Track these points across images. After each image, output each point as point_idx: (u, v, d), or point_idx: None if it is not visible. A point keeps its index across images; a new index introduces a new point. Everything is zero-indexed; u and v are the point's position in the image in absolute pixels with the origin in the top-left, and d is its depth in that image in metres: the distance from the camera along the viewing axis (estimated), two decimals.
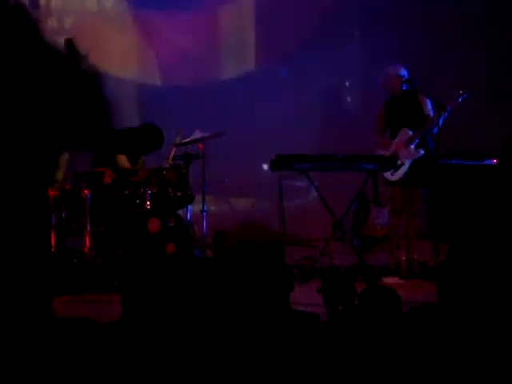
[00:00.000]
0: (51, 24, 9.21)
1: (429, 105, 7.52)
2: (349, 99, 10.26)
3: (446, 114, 7.33)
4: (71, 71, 1.26)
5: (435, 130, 7.35)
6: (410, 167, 7.49)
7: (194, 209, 8.31)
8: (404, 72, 7.52)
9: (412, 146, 7.50)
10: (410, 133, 7.49)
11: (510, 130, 2.62)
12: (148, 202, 7.52)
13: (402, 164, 7.51)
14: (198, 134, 8.66)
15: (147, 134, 8.01)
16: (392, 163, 7.45)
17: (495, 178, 8.46)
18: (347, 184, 9.17)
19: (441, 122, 7.28)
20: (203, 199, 8.15)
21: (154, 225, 7.42)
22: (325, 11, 10.02)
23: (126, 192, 7.56)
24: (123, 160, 7.91)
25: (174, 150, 8.29)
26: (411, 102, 7.54)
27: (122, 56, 9.48)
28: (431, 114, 7.48)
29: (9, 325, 1.27)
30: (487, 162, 8.84)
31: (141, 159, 8.22)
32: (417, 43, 9.65)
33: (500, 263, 2.21)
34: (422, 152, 7.48)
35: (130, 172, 7.84)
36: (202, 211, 8.14)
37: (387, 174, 7.58)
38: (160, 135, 8.08)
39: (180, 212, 7.90)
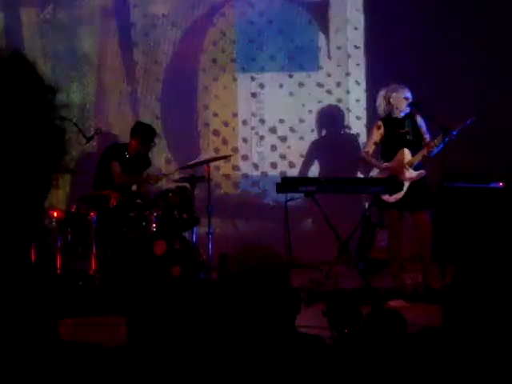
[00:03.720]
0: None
1: (423, 126, 7.60)
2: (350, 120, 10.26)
3: (454, 137, 7.39)
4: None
5: (434, 152, 7.44)
6: (408, 189, 7.49)
7: (199, 231, 8.32)
8: (410, 94, 7.56)
9: (411, 169, 7.53)
10: (409, 154, 7.53)
11: None
12: (154, 225, 7.53)
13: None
14: (203, 157, 8.70)
15: (137, 131, 8.06)
16: (398, 186, 7.44)
17: (502, 201, 8.47)
18: (352, 207, 9.17)
19: (442, 145, 7.34)
20: (209, 221, 8.15)
21: (159, 247, 7.43)
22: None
23: (132, 214, 7.58)
24: (116, 167, 7.96)
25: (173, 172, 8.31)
26: (411, 124, 7.59)
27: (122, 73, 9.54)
28: (427, 135, 7.54)
29: (13, 348, 1.27)
30: (493, 184, 8.84)
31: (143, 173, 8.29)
32: (418, 65, 9.68)
33: (507, 287, 2.21)
34: (425, 173, 7.54)
35: (135, 194, 7.88)
36: (208, 233, 8.14)
37: (385, 196, 7.55)
38: (148, 126, 8.20)
39: (186, 234, 7.90)
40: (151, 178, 8.30)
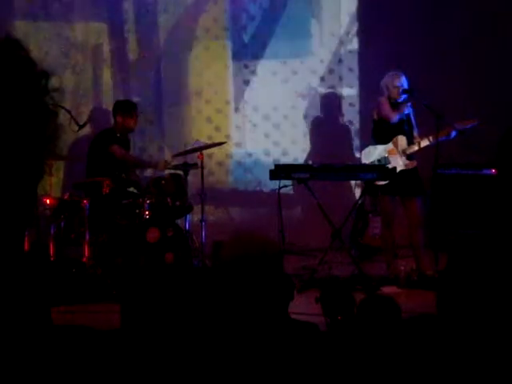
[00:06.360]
0: None
1: (412, 119, 7.58)
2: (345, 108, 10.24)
3: (451, 137, 7.40)
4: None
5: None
6: (399, 176, 7.44)
7: (192, 218, 8.30)
8: (403, 82, 7.51)
9: (405, 157, 7.52)
10: (405, 142, 7.52)
11: (502, 137, 2.59)
12: (147, 212, 7.52)
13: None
14: (196, 144, 8.68)
15: (118, 107, 8.15)
16: (391, 172, 7.41)
17: (494, 188, 8.46)
18: (346, 193, 9.16)
19: (434, 143, 7.34)
20: (202, 209, 8.14)
21: (152, 234, 7.42)
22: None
23: (125, 201, 7.56)
24: (117, 148, 7.95)
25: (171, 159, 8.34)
26: (404, 114, 7.58)
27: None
28: (415, 129, 7.59)
29: (7, 335, 1.27)
30: (486, 171, 8.84)
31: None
32: (416, 52, 9.67)
33: (500, 273, 2.21)
34: (416, 163, 7.52)
35: (128, 181, 7.87)
36: (201, 221, 8.13)
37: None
38: (126, 100, 8.39)
39: (179, 222, 7.89)
40: (160, 165, 8.26)
